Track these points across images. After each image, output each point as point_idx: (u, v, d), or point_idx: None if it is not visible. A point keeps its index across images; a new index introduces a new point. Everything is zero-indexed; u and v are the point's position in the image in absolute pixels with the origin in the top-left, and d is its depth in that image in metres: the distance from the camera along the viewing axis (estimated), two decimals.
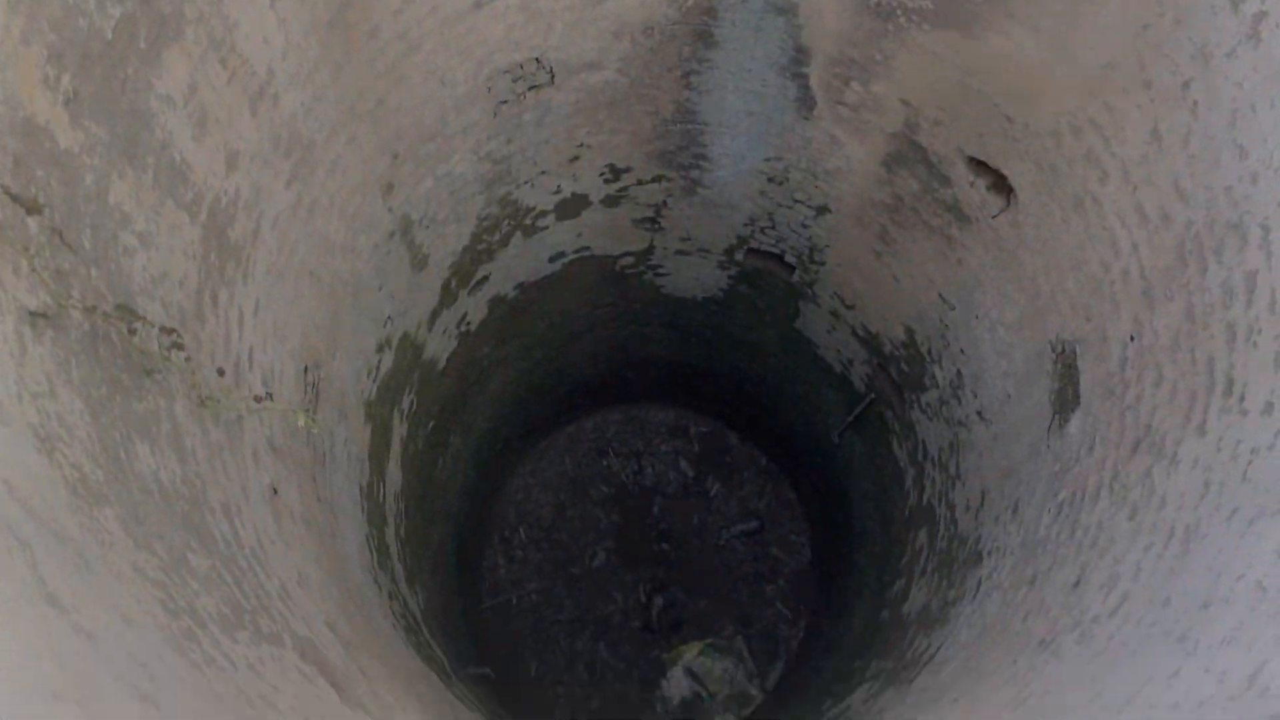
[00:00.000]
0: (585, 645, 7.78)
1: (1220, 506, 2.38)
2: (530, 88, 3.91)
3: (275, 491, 2.93)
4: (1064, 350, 3.54)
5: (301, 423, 2.84)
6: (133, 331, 1.92)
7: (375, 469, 4.36)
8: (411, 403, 4.87)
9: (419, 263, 4.26)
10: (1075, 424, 3.42)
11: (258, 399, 2.49)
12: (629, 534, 8.16)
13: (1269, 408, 2.36)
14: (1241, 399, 2.50)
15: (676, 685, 7.71)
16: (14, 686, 1.07)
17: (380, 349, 4.22)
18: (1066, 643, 2.76)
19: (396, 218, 3.89)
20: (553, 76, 3.88)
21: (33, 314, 1.74)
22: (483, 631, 7.45)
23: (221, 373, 2.36)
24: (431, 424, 5.32)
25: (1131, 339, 3.09)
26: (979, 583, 3.95)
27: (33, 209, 1.74)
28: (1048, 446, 3.62)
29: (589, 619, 7.86)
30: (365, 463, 4.19)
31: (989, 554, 3.98)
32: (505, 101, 3.90)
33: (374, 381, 4.22)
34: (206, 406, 2.28)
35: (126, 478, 1.91)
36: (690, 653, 7.78)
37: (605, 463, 8.31)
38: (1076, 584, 2.96)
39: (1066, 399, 3.52)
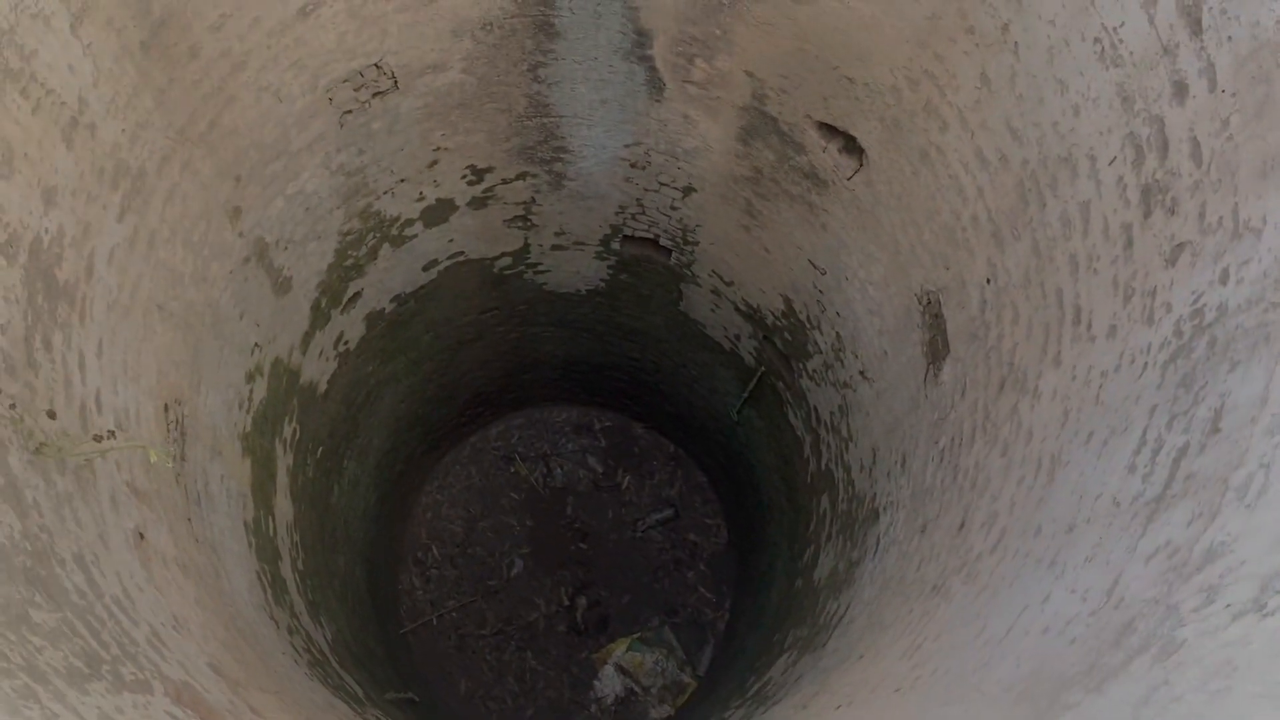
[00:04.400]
0: (512, 656, 7.69)
1: (1079, 432, 2.45)
2: (374, 94, 3.82)
3: (142, 536, 2.80)
4: (929, 301, 3.61)
5: (153, 459, 2.71)
6: None
7: (260, 502, 4.21)
8: (295, 431, 4.72)
9: (282, 286, 4.13)
10: (947, 371, 3.49)
11: (98, 438, 2.36)
12: (544, 538, 8.09)
13: (1112, 331, 2.43)
14: (1089, 326, 2.57)
15: (609, 683, 7.67)
16: None
17: (251, 378, 4.08)
18: (955, 584, 2.80)
19: (249, 242, 3.76)
20: (396, 81, 3.80)
21: None
22: (406, 655, 7.30)
23: (53, 415, 2.23)
24: (321, 450, 5.18)
25: (988, 281, 3.17)
26: (878, 540, 4.01)
27: None
28: (926, 397, 3.69)
29: (513, 629, 7.77)
30: (248, 497, 4.05)
31: (884, 510, 4.04)
32: (350, 111, 3.80)
33: (247, 413, 4.08)
34: (43, 454, 2.15)
35: None
36: (619, 649, 7.75)
37: (513, 469, 8.23)
38: (961, 526, 3.02)
39: (938, 348, 3.59)
